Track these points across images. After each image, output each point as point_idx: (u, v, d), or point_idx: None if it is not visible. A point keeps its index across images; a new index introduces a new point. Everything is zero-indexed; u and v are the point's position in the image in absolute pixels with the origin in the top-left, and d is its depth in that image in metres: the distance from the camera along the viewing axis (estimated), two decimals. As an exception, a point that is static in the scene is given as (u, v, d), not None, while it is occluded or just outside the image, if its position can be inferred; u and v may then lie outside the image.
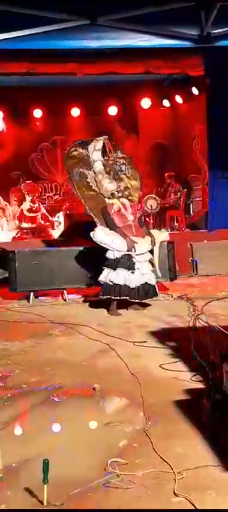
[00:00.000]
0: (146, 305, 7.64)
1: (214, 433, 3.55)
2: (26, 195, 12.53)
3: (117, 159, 8.45)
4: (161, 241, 8.02)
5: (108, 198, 7.86)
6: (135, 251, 7.41)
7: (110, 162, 8.35)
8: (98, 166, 8.14)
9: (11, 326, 6.91)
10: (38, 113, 13.15)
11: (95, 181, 8.05)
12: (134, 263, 7.40)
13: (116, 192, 7.89)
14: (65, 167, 8.60)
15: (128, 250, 7.39)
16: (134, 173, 8.53)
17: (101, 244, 7.47)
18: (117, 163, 8.43)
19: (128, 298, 7.36)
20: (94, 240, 7.50)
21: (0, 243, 10.23)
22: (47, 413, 4.14)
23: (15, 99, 12.45)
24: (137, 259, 7.44)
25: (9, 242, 11.20)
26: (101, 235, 7.48)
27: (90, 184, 8.07)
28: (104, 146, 8.30)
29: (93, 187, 8.06)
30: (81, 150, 8.21)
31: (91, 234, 7.52)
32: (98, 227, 7.59)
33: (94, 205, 7.88)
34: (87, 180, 8.09)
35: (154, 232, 8.16)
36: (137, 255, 7.43)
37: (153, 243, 7.69)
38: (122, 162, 8.45)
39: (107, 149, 8.32)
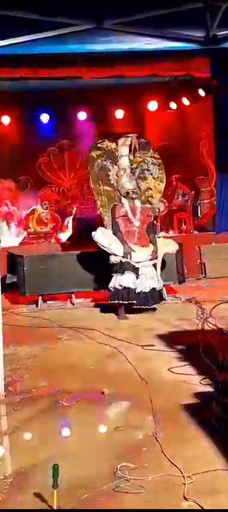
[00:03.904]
0: (153, 308, 7.63)
1: (224, 436, 3.54)
2: (38, 204, 12.42)
3: (147, 158, 8.39)
4: (166, 253, 7.93)
5: (123, 196, 7.83)
6: (130, 258, 7.42)
7: (139, 159, 8.29)
8: (124, 162, 8.06)
9: (19, 331, 6.93)
10: (45, 117, 13.19)
11: (117, 176, 7.99)
12: (138, 268, 7.41)
13: (131, 192, 7.85)
14: (87, 157, 8.44)
15: (123, 256, 7.41)
16: (162, 176, 8.44)
17: (100, 246, 7.55)
18: (146, 161, 8.37)
19: (135, 302, 7.35)
20: (94, 240, 7.57)
21: (8, 248, 10.24)
22: (56, 418, 4.15)
23: (22, 104, 12.49)
24: (139, 265, 7.44)
25: (17, 247, 11.21)
26: (99, 237, 7.57)
27: (110, 178, 8.01)
28: (131, 143, 8.19)
29: (112, 182, 8.01)
30: (110, 143, 8.12)
31: (93, 233, 7.59)
32: (98, 228, 7.67)
33: (107, 202, 7.87)
34: (109, 173, 8.02)
35: (160, 242, 8.00)
36: (136, 262, 7.44)
37: (154, 254, 7.62)
38: (151, 161, 8.38)
39: (133, 147, 8.19)
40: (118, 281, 7.38)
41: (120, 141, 8.15)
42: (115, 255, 7.47)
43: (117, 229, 7.63)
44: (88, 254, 8.61)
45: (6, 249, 9.68)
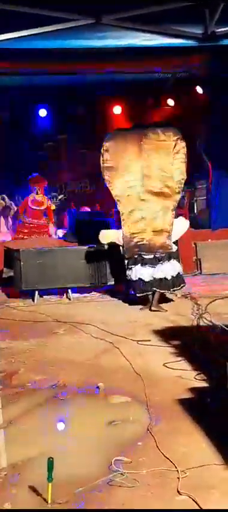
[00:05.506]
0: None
1: (218, 431, 3.56)
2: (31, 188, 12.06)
3: None
4: None
5: None
6: None
7: None
8: None
9: (16, 325, 6.93)
10: (42, 112, 13.20)
11: None
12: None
13: None
14: None
15: None
16: None
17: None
18: None
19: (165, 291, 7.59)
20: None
21: (5, 242, 10.22)
22: (51, 412, 4.16)
23: (20, 98, 12.48)
24: None
25: (14, 241, 11.12)
26: None
27: None
28: None
29: None
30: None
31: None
32: None
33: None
34: None
35: None
36: None
37: None
38: None
39: None
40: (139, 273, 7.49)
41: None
42: None
43: None
44: (85, 249, 8.60)
45: (3, 244, 9.66)
